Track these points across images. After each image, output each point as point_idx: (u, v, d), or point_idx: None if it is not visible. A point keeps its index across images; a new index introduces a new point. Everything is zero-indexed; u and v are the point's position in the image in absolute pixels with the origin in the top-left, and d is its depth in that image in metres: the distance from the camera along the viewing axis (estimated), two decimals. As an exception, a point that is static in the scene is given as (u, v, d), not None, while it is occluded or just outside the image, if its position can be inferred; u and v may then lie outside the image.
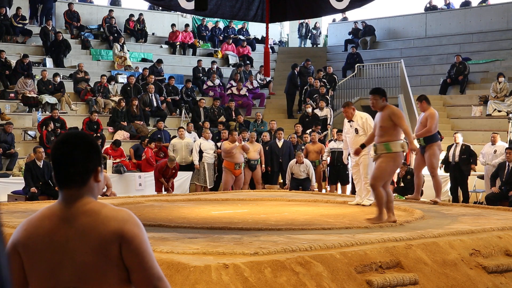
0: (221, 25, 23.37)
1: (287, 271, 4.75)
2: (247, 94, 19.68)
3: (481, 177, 13.67)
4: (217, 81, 19.95)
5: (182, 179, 14.40)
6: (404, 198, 12.23)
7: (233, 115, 17.97)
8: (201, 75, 20.29)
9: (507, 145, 13.09)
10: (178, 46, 22.00)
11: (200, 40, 22.80)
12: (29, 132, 15.52)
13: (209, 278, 4.45)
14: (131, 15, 21.93)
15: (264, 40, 21.31)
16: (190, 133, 15.97)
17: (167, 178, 13.65)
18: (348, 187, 13.56)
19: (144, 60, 20.97)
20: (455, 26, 21.78)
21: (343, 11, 12.70)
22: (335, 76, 20.06)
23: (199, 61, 20.77)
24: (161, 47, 22.20)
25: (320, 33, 25.58)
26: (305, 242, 5.44)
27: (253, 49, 23.05)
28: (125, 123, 16.55)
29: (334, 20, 25.61)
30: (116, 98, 17.23)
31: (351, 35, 23.44)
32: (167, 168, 13.56)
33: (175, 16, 22.94)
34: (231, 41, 22.60)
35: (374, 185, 7.18)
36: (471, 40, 21.12)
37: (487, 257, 5.82)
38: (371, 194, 9.16)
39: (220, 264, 4.59)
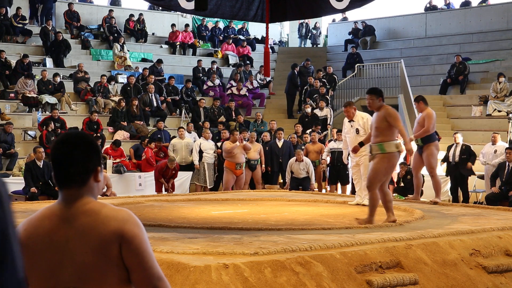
0: (221, 25, 23.36)
1: (287, 271, 4.75)
2: (247, 94, 19.68)
3: (481, 177, 13.67)
4: (217, 81, 19.95)
5: (182, 179, 14.40)
6: (404, 198, 12.23)
7: (233, 115, 17.97)
8: (201, 75, 20.29)
9: (507, 145, 13.09)
10: (178, 46, 22.00)
11: (200, 40, 22.80)
12: (29, 132, 15.52)
13: (209, 278, 4.45)
14: (131, 15, 21.93)
15: (264, 40, 21.31)
16: (190, 133, 15.97)
17: (167, 179, 13.65)
18: (348, 187, 13.56)
19: (144, 60, 20.97)
20: (455, 26, 21.78)
21: (343, 11, 12.70)
22: (335, 76, 20.06)
23: (199, 61, 20.77)
24: (161, 47, 22.20)
25: (320, 33, 25.58)
26: (305, 242, 5.44)
27: (253, 49, 23.05)
28: (125, 123, 16.55)
29: (334, 20, 25.60)
30: (116, 98, 17.23)
31: (351, 35, 23.44)
32: (167, 168, 13.56)
33: (175, 16, 22.94)
34: (231, 41, 22.60)
35: (370, 187, 7.19)
36: (471, 40, 21.12)
37: (487, 257, 5.81)
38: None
39: (220, 264, 4.59)
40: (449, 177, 13.73)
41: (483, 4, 22.17)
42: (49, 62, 19.01)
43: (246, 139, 13.98)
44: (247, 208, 9.11)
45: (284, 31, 26.91)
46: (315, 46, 25.36)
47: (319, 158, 14.06)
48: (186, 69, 21.08)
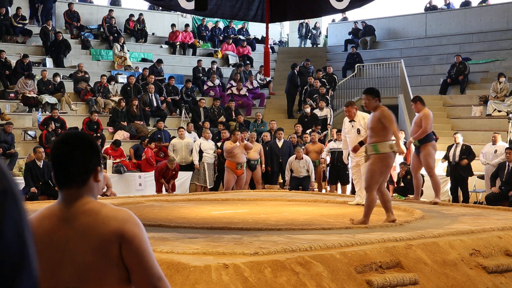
0: (221, 25, 23.36)
1: (287, 271, 4.75)
2: (247, 94, 19.67)
3: (481, 177, 13.67)
4: (217, 81, 19.96)
5: (182, 179, 14.40)
6: (404, 198, 12.23)
7: (233, 115, 17.97)
8: (201, 75, 20.29)
9: (507, 145, 13.09)
10: (178, 46, 22.00)
11: (200, 40, 22.80)
12: (29, 132, 15.52)
13: (209, 278, 4.45)
14: (131, 15, 21.93)
15: (264, 40, 21.31)
16: (190, 133, 15.97)
17: (168, 179, 13.64)
18: (348, 187, 13.56)
19: (144, 60, 20.97)
20: (455, 26, 21.78)
21: (343, 11, 12.70)
22: (335, 76, 20.06)
23: (199, 61, 20.77)
24: (161, 47, 22.20)
25: (320, 33, 25.58)
26: (305, 242, 5.44)
27: (253, 49, 23.05)
28: (125, 123, 16.55)
29: (333, 20, 25.61)
30: (116, 98, 17.23)
31: (351, 35, 23.44)
32: (167, 169, 13.56)
33: (175, 16, 22.94)
34: (231, 41, 22.60)
35: (368, 188, 7.21)
36: (471, 40, 21.12)
37: (487, 257, 5.81)
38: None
39: (220, 264, 4.59)
40: (449, 177, 13.74)
41: (483, 4, 22.17)
42: (49, 62, 19.01)
43: (246, 139, 13.98)
44: (247, 208, 9.11)
45: (284, 31, 26.91)
46: (315, 46, 25.36)
47: (319, 158, 14.06)
48: (186, 69, 21.08)
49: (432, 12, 22.78)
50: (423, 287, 5.22)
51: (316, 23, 25.44)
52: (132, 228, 2.24)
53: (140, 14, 22.05)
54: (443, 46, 21.43)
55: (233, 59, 22.13)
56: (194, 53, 22.24)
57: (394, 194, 13.35)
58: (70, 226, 2.26)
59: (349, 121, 9.46)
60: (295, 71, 19.81)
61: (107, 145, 14.97)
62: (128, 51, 20.49)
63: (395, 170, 13.69)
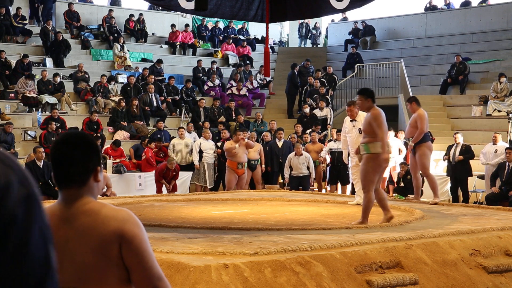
0: (221, 25, 23.36)
1: (287, 271, 4.75)
2: (247, 94, 19.68)
3: (481, 177, 13.67)
4: (217, 81, 19.96)
5: (182, 179, 14.40)
6: (404, 198, 12.24)
7: (233, 115, 17.97)
8: (201, 75, 20.29)
9: (507, 145, 13.09)
10: (178, 46, 22.01)
11: (200, 40, 22.80)
12: (29, 132, 15.52)
13: (209, 278, 4.45)
14: (131, 15, 21.93)
15: (264, 40, 21.31)
16: (190, 133, 15.97)
17: (169, 180, 13.63)
18: (348, 187, 13.56)
19: (144, 60, 20.97)
20: (455, 26, 21.78)
21: (343, 11, 12.70)
22: (335, 76, 20.06)
23: (199, 61, 20.77)
24: (161, 47, 22.20)
25: (320, 33, 25.59)
26: (305, 242, 5.44)
27: (253, 49, 23.05)
28: (125, 123, 16.55)
29: (333, 21, 25.62)
30: (116, 98, 17.23)
31: (351, 35, 23.44)
32: (168, 170, 13.55)
33: (175, 16, 22.94)
34: (231, 41, 22.60)
35: (364, 188, 7.24)
36: (471, 40, 21.12)
37: (487, 257, 5.81)
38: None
39: (220, 264, 4.59)
40: (449, 177, 13.74)
41: (483, 4, 22.17)
42: (49, 62, 19.01)
43: (246, 139, 13.97)
44: (247, 208, 9.11)
45: (284, 31, 26.91)
46: (315, 46, 25.36)
47: (319, 158, 14.08)
48: (186, 69, 21.08)
49: (432, 12, 22.78)
50: (423, 287, 5.22)
51: (316, 23, 25.44)
52: (132, 228, 2.24)
53: (140, 14, 22.05)
54: (443, 46, 21.43)
55: (233, 59, 22.13)
56: (194, 53, 22.24)
57: (394, 194, 13.36)
58: (70, 226, 2.26)
59: (350, 121, 9.46)
60: (295, 71, 19.81)
61: (107, 145, 14.97)
62: (128, 51, 20.49)
63: (395, 170, 13.69)
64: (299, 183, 13.63)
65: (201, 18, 22.36)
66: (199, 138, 15.29)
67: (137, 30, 21.80)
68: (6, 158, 1.27)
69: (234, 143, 12.69)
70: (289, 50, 25.05)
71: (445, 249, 5.67)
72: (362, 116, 9.32)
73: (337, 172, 14.08)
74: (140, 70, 19.42)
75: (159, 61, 19.72)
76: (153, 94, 17.67)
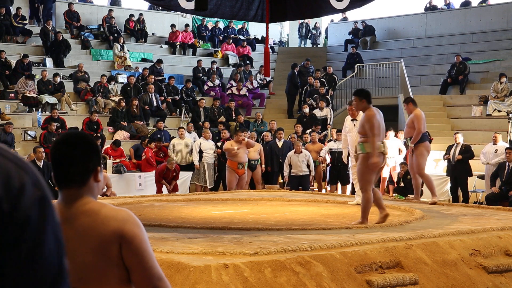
0: (221, 25, 23.37)
1: (287, 271, 4.75)
2: (247, 94, 19.68)
3: (481, 177, 13.67)
4: (217, 81, 19.96)
5: (182, 179, 14.39)
6: (404, 198, 12.24)
7: (233, 115, 17.97)
8: (201, 75, 20.30)
9: (508, 145, 13.09)
10: (178, 46, 22.01)
11: (200, 40, 22.80)
12: (29, 132, 15.52)
13: (209, 278, 4.45)
14: (131, 15, 21.93)
15: (264, 40, 21.31)
16: (190, 133, 15.97)
17: (169, 180, 13.62)
18: (348, 187, 13.56)
19: (144, 60, 20.98)
20: (455, 26, 21.78)
21: (343, 11, 12.70)
22: (335, 76, 20.06)
23: (199, 61, 20.77)
24: (161, 47, 22.20)
25: (320, 33, 25.60)
26: (305, 242, 5.44)
27: (253, 49, 23.05)
28: (125, 123, 16.55)
29: (332, 21, 25.63)
30: (116, 98, 17.23)
31: (351, 35, 23.44)
32: (168, 170, 13.54)
33: (175, 16, 22.94)
34: (231, 41, 22.61)
35: (362, 188, 7.28)
36: (471, 40, 21.13)
37: (487, 257, 5.81)
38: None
39: (220, 264, 4.58)
40: (449, 177, 13.74)
41: (483, 4, 22.17)
42: (49, 62, 19.01)
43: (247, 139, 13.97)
44: (247, 208, 9.11)
45: (284, 31, 26.91)
46: (315, 46, 25.36)
47: (318, 158, 14.08)
48: (186, 69, 21.08)
49: (432, 12, 22.78)
50: (423, 287, 5.22)
51: (316, 23, 25.45)
52: (132, 228, 2.24)
53: (140, 14, 22.05)
54: (443, 46, 21.43)
55: (233, 59, 22.13)
56: (194, 53, 22.24)
57: (394, 194, 13.36)
58: (70, 226, 2.26)
59: (351, 120, 9.46)
60: (295, 71, 19.81)
61: (107, 145, 14.97)
62: (128, 51, 20.49)
63: (395, 170, 13.70)
64: (299, 183, 13.63)
65: (201, 18, 22.36)
66: (199, 138, 15.29)
67: (137, 30, 21.80)
68: (19, 161, 1.28)
69: (235, 143, 12.67)
70: (289, 50, 25.05)
71: (445, 249, 5.67)
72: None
73: (337, 172, 14.08)
74: (140, 70, 19.42)
75: (159, 61, 19.72)
76: (153, 94, 17.67)
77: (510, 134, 14.85)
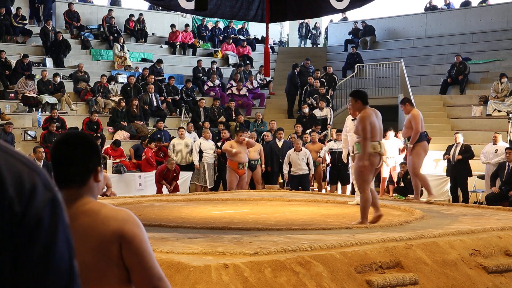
0: (221, 25, 23.37)
1: (287, 271, 4.75)
2: (247, 94, 19.68)
3: (481, 177, 13.67)
4: (217, 81, 19.96)
5: (182, 179, 14.39)
6: (404, 198, 12.24)
7: (233, 115, 17.97)
8: (201, 75, 20.30)
9: (508, 145, 13.09)
10: (178, 46, 22.01)
11: (200, 40, 22.81)
12: (29, 132, 15.52)
13: (209, 278, 4.45)
14: (131, 15, 21.93)
15: (264, 40, 21.31)
16: (190, 133, 15.97)
17: (170, 181, 13.62)
18: (348, 187, 13.56)
19: (144, 60, 20.98)
20: (455, 26, 21.78)
21: (343, 11, 12.70)
22: (335, 76, 20.06)
23: (199, 61, 20.77)
24: (161, 47, 22.20)
25: (320, 33, 25.60)
26: (305, 242, 5.44)
27: (253, 49, 23.05)
28: (125, 123, 16.55)
29: (331, 21, 25.64)
30: (116, 98, 17.24)
31: (351, 35, 23.44)
32: (168, 170, 13.54)
33: (175, 16, 22.94)
34: (231, 41, 22.61)
35: (360, 188, 7.29)
36: (471, 40, 21.13)
37: (487, 257, 5.81)
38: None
39: (220, 264, 4.58)
40: (448, 177, 13.74)
41: (483, 4, 22.17)
42: (49, 62, 19.01)
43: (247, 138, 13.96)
44: (247, 208, 9.11)
45: (284, 31, 26.92)
46: (315, 46, 25.37)
47: (317, 158, 14.09)
48: (186, 69, 21.08)
49: (432, 12, 22.79)
50: (423, 287, 5.22)
51: (316, 23, 25.45)
52: (132, 228, 2.24)
53: (140, 14, 22.05)
54: (443, 46, 21.43)
55: (233, 59, 22.13)
56: (194, 53, 22.24)
57: (394, 194, 13.36)
58: (70, 226, 2.25)
59: (352, 120, 9.46)
60: (296, 71, 19.82)
61: (107, 145, 14.97)
62: (128, 51, 20.49)
63: (395, 170, 13.69)
64: (299, 183, 13.62)
65: (201, 18, 22.36)
66: (199, 138, 15.29)
67: (137, 30, 21.80)
68: (30, 162, 1.29)
69: (235, 143, 12.66)
70: (289, 50, 25.05)
71: (445, 249, 5.67)
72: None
73: (337, 172, 14.08)
74: (140, 70, 19.43)
75: (159, 61, 19.72)
76: (153, 94, 17.67)
77: (510, 134, 14.85)
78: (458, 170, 13.34)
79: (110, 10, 21.39)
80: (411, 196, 11.72)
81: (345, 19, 25.08)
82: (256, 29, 23.83)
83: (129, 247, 2.22)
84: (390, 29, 23.38)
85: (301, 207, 9.07)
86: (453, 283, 5.36)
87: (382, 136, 7.83)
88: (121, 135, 16.15)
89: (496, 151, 13.22)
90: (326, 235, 5.99)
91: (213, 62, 20.85)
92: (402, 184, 13.38)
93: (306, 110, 17.16)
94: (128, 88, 17.83)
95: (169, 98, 18.35)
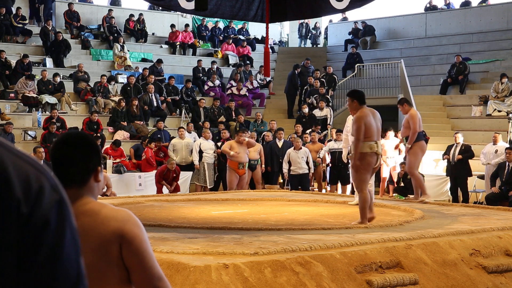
0: (221, 25, 23.37)
1: (287, 271, 4.75)
2: (247, 94, 19.68)
3: (481, 177, 13.67)
4: (217, 82, 19.96)
5: (182, 179, 14.39)
6: (404, 198, 12.24)
7: (233, 115, 17.97)
8: (201, 75, 20.30)
9: (508, 145, 13.09)
10: (178, 46, 22.01)
11: (200, 40, 22.81)
12: (29, 132, 15.52)
13: (209, 278, 4.45)
14: (131, 15, 21.93)
15: (264, 40, 21.31)
16: (190, 133, 15.97)
17: (170, 182, 13.61)
18: (348, 187, 13.56)
19: (144, 60, 20.98)
20: (455, 26, 21.78)
21: (343, 11, 12.71)
22: (335, 76, 20.06)
23: (199, 61, 20.77)
24: (161, 47, 22.20)
25: (320, 33, 25.60)
26: (305, 242, 5.44)
27: (253, 49, 23.05)
28: (125, 123, 16.55)
29: (331, 21, 25.64)
30: (116, 98, 17.24)
31: (351, 35, 23.44)
32: (168, 171, 13.54)
33: (175, 16, 22.94)
34: (231, 41, 22.61)
35: (357, 188, 7.31)
36: (471, 40, 21.12)
37: (487, 257, 5.81)
38: (372, 194, 9.19)
39: (220, 264, 4.59)
40: (449, 177, 13.74)
41: (483, 4, 22.17)
42: (49, 62, 19.01)
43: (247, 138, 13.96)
44: (247, 208, 9.11)
45: (284, 31, 26.92)
46: (315, 46, 25.37)
47: (317, 158, 14.09)
48: (186, 69, 21.08)
49: (432, 12, 22.78)
50: (423, 287, 5.22)
51: (316, 23, 25.45)
52: (132, 229, 2.24)
53: (140, 14, 22.05)
54: (443, 46, 21.43)
55: (233, 59, 22.13)
56: (194, 53, 22.24)
57: (394, 194, 13.36)
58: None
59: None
60: (296, 71, 19.82)
61: (107, 145, 14.97)
62: (128, 51, 20.49)
63: (395, 170, 13.69)
64: (299, 183, 13.62)
65: (201, 18, 22.36)
66: (199, 138, 15.29)
67: (137, 30, 21.80)
68: (38, 164, 1.29)
69: (236, 143, 12.65)
70: (289, 50, 25.05)
71: (445, 249, 5.67)
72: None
73: (337, 172, 14.08)
74: (140, 70, 19.43)
75: (159, 61, 19.72)
76: (153, 94, 17.67)
77: (510, 134, 14.85)
78: (458, 170, 13.34)
79: (110, 10, 21.39)
80: (411, 196, 11.72)
81: (345, 19, 25.08)
82: (256, 29, 23.83)
83: (129, 247, 2.22)
84: (390, 29, 23.38)
85: (301, 207, 9.07)
86: (453, 283, 5.36)
87: (382, 136, 7.85)
88: (121, 135, 16.15)
89: (496, 151, 13.21)
90: (326, 235, 6.00)
91: (213, 62, 20.85)
92: (402, 184, 13.38)
93: (306, 110, 17.17)
94: (128, 88, 17.83)
95: (169, 98, 18.35)
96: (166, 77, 19.47)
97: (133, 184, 14.12)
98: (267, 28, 10.14)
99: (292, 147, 13.71)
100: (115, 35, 20.65)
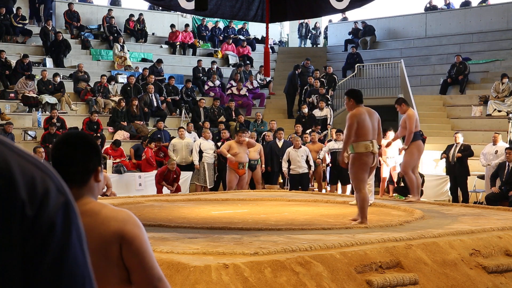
0: (221, 25, 23.36)
1: (287, 271, 4.75)
2: (247, 94, 19.68)
3: (481, 177, 13.67)
4: (217, 82, 19.96)
5: (182, 179, 14.39)
6: (404, 198, 12.23)
7: (233, 115, 17.97)
8: (201, 75, 20.30)
9: (508, 145, 13.08)
10: (178, 46, 22.01)
11: (200, 40, 22.81)
12: (29, 132, 15.52)
13: (209, 278, 4.45)
14: (131, 15, 21.93)
15: (264, 40, 21.30)
16: (190, 133, 15.97)
17: (170, 182, 13.61)
18: (348, 187, 13.56)
19: (144, 60, 20.98)
20: (455, 26, 21.78)
21: (343, 11, 12.71)
22: (335, 76, 20.06)
23: (199, 61, 20.77)
24: (161, 47, 22.20)
25: (320, 33, 25.60)
26: (305, 242, 5.44)
27: (253, 49, 23.05)
28: (125, 123, 16.55)
29: (330, 21, 25.64)
30: (116, 98, 17.24)
31: (351, 35, 23.44)
32: (169, 171, 13.53)
33: (175, 16, 22.94)
34: (231, 41, 22.61)
35: (356, 188, 7.31)
36: (471, 40, 21.12)
37: (487, 257, 5.82)
38: (372, 194, 9.22)
39: (220, 264, 4.59)
40: (448, 177, 13.74)
41: (483, 4, 22.17)
42: (49, 62, 19.01)
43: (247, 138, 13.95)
44: (247, 208, 9.11)
45: (284, 31, 26.91)
46: (315, 46, 25.37)
47: (317, 159, 14.08)
48: (186, 69, 21.08)
49: (432, 12, 22.78)
50: (423, 287, 5.22)
51: (316, 23, 25.45)
52: (132, 229, 2.24)
53: (140, 14, 22.05)
54: (443, 46, 21.43)
55: (233, 59, 22.13)
56: (194, 53, 22.24)
57: (394, 194, 13.36)
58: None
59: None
60: (296, 71, 19.82)
61: (107, 145, 14.97)
62: (128, 51, 20.49)
63: (395, 170, 13.69)
64: (299, 183, 13.61)
65: (201, 18, 22.36)
66: (199, 138, 15.29)
67: (137, 30, 21.80)
68: (43, 165, 1.27)
69: (236, 143, 12.66)
70: (289, 50, 25.05)
71: (445, 249, 5.67)
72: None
73: (337, 172, 14.06)
74: (140, 70, 19.42)
75: (159, 61, 19.72)
76: (153, 94, 17.67)
77: (510, 134, 14.85)
78: (458, 170, 13.34)
79: (110, 10, 21.39)
80: (411, 196, 11.71)
81: (345, 19, 25.07)
82: (256, 29, 23.83)
83: (129, 248, 2.22)
84: (390, 29, 23.38)
85: (301, 207, 9.07)
86: (453, 283, 5.36)
87: (382, 136, 7.85)
88: (121, 135, 16.15)
89: (496, 151, 13.21)
90: (326, 235, 6.00)
91: (213, 62, 20.85)
92: (402, 184, 13.37)
93: (306, 110, 17.16)
94: (128, 88, 17.83)
95: (169, 98, 18.35)
96: (166, 77, 19.47)
97: (133, 184, 14.12)
98: (267, 28, 10.14)
99: (292, 146, 13.71)
100: (115, 35, 20.65)
